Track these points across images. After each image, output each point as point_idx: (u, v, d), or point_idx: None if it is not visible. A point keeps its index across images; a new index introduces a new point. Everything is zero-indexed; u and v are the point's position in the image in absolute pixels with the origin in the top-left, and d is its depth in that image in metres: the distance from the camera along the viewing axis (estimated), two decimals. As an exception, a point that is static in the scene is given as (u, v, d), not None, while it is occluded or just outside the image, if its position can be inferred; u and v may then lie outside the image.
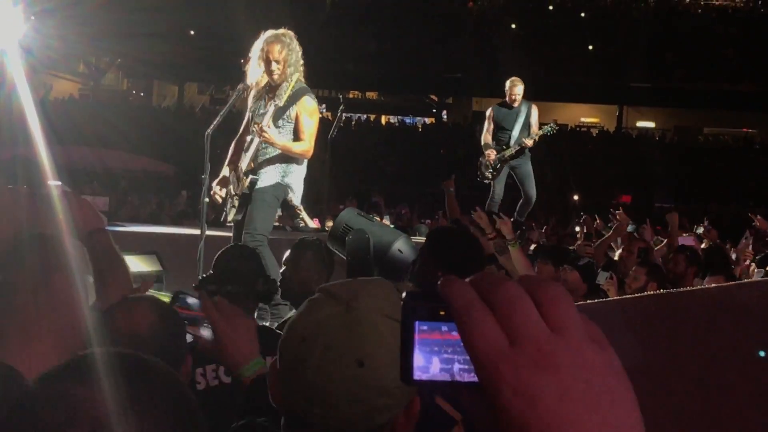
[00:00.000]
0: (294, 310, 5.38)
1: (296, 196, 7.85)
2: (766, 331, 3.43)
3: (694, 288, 6.31)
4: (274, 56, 7.45)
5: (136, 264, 7.08)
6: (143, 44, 35.60)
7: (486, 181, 11.89)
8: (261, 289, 4.75)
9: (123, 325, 2.86)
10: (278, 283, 5.35)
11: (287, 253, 5.51)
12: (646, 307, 4.07)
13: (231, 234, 8.04)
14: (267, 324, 5.72)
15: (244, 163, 7.66)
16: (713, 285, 6.49)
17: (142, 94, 50.52)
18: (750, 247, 10.42)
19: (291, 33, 7.61)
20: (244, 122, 8.04)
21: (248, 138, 7.77)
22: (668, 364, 3.45)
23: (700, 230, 13.15)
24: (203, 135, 7.77)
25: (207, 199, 7.95)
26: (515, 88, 11.90)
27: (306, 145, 7.57)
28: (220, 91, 48.35)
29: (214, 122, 7.81)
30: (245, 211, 7.66)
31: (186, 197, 20.88)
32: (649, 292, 6.53)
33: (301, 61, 7.65)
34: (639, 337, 3.51)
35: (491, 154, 11.75)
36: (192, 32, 41.97)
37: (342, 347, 1.67)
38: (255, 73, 7.66)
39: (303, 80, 7.69)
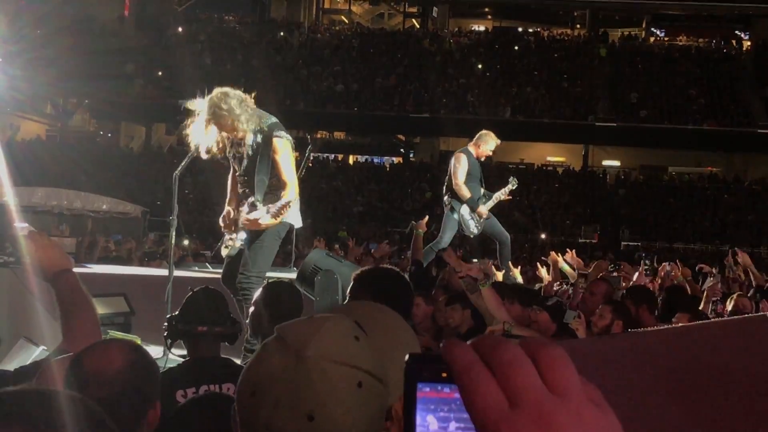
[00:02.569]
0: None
1: (299, 223, 7.78)
2: (735, 370, 3.45)
3: (662, 327, 6.34)
4: (226, 130, 7.35)
5: (104, 306, 7.03)
6: (110, 85, 35.58)
7: (472, 236, 11.64)
8: (226, 331, 4.85)
9: (92, 369, 2.85)
10: (247, 323, 5.39)
11: (257, 293, 5.50)
12: (615, 346, 4.09)
13: (198, 275, 7.98)
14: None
15: (244, 223, 7.53)
16: (680, 324, 6.52)
17: (109, 135, 50.31)
18: (719, 285, 10.46)
19: (223, 94, 7.32)
20: (231, 170, 7.93)
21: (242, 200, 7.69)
22: (637, 403, 3.45)
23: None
24: (171, 176, 7.73)
25: (186, 242, 7.89)
26: (494, 147, 11.70)
27: (292, 188, 7.42)
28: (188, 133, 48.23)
29: (182, 164, 7.76)
30: (240, 250, 7.58)
31: (154, 238, 20.78)
32: (615, 331, 6.55)
33: (249, 105, 7.48)
34: (609, 376, 3.52)
35: (483, 213, 11.48)
36: (159, 73, 41.98)
37: (291, 401, 1.64)
38: (207, 141, 7.50)
39: (263, 116, 7.55)
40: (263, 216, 7.26)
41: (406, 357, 0.97)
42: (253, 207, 7.43)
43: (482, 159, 11.69)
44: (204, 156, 7.50)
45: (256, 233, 7.52)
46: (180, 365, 4.80)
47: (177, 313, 4.93)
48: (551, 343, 0.92)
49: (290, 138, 7.63)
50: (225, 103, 7.27)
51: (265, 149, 7.42)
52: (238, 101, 7.34)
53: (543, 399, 0.87)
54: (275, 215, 7.25)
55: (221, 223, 7.80)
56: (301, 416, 1.63)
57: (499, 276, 10.13)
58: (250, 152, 7.50)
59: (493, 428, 0.87)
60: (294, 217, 7.70)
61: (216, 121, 7.28)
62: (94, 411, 1.46)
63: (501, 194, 11.70)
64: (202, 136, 7.37)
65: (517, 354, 0.90)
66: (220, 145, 7.59)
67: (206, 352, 4.74)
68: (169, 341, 5.06)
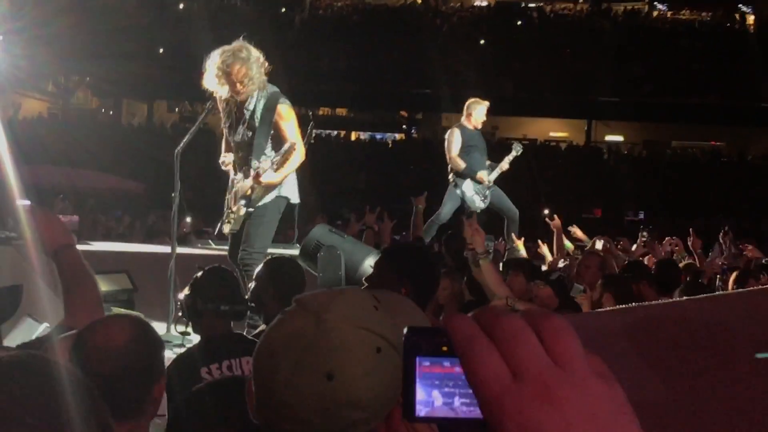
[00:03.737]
0: (264, 324, 5.43)
1: (296, 198, 7.81)
2: (735, 343, 3.44)
3: (667, 301, 6.34)
4: (237, 77, 7.38)
5: (107, 283, 7.03)
6: (112, 63, 35.42)
7: (479, 210, 11.60)
8: (244, 310, 4.98)
9: (96, 344, 2.85)
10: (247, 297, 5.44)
11: (258, 269, 5.51)
12: (621, 321, 4.08)
13: (200, 252, 7.98)
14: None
15: (244, 188, 7.57)
16: (684, 298, 6.52)
17: (111, 112, 50.21)
18: (718, 260, 10.47)
19: (246, 45, 7.49)
20: (224, 136, 7.95)
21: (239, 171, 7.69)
22: (640, 376, 3.45)
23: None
24: (173, 153, 7.73)
25: (188, 219, 7.88)
26: (485, 112, 11.60)
27: (299, 154, 7.49)
28: (190, 109, 48.18)
29: (184, 140, 7.76)
30: (243, 226, 7.62)
31: (156, 216, 20.76)
32: (605, 303, 6.58)
33: (263, 67, 7.53)
34: (612, 350, 3.51)
35: (483, 178, 11.40)
36: (161, 50, 41.86)
37: (310, 360, 1.64)
38: (217, 88, 7.54)
39: (267, 83, 7.62)
40: (268, 172, 7.30)
41: (405, 330, 0.96)
42: (248, 173, 7.47)
43: (479, 128, 11.65)
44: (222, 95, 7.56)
45: (257, 208, 7.54)
46: (199, 344, 4.88)
47: (190, 292, 4.95)
48: (555, 315, 0.92)
49: (290, 105, 7.70)
50: (246, 50, 7.38)
51: (267, 114, 7.46)
52: (257, 57, 7.45)
53: (547, 371, 0.87)
54: (279, 164, 7.29)
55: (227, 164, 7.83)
56: (321, 375, 1.64)
57: (523, 251, 10.17)
58: (249, 117, 7.52)
59: (496, 401, 0.86)
60: (292, 192, 7.72)
61: (230, 67, 7.31)
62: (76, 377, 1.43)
63: (506, 162, 11.68)
64: (212, 84, 7.45)
65: (520, 326, 0.89)
66: (222, 105, 7.65)
67: (221, 330, 4.80)
68: (185, 320, 5.10)
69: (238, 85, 7.38)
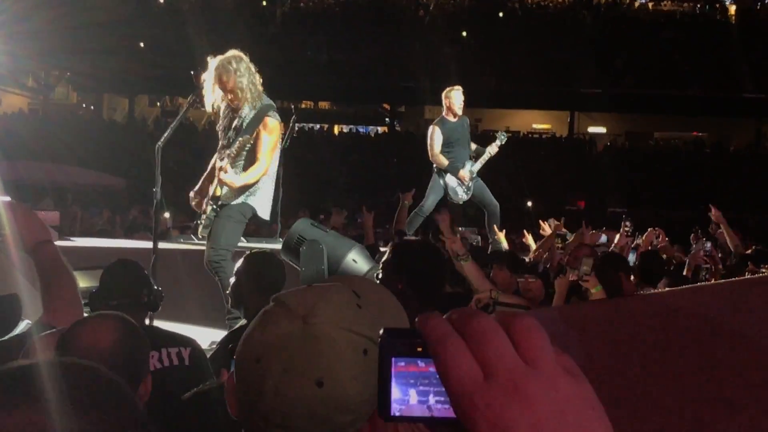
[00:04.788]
0: (244, 319, 5.41)
1: (264, 213, 7.83)
2: (717, 335, 3.43)
3: (647, 293, 6.35)
4: (227, 87, 7.48)
5: (88, 279, 6.99)
6: (93, 58, 35.37)
7: (461, 202, 11.61)
8: (147, 300, 4.87)
9: (85, 342, 2.83)
10: (228, 293, 5.42)
11: (239, 263, 5.50)
12: (601, 313, 4.07)
13: (181, 247, 7.96)
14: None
15: (211, 188, 7.63)
16: (666, 289, 6.53)
17: (92, 107, 50.13)
18: (702, 252, 10.47)
19: (238, 55, 7.58)
20: (220, 141, 7.98)
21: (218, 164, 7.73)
22: (622, 369, 3.44)
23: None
24: (154, 148, 7.71)
25: (167, 214, 7.87)
26: (461, 96, 11.57)
27: (261, 168, 7.57)
28: (171, 104, 48.13)
29: (165, 135, 7.75)
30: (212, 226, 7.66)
31: (137, 211, 20.72)
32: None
33: (256, 78, 7.62)
34: (593, 343, 3.50)
35: (465, 176, 11.40)
36: (142, 45, 41.77)
37: (299, 367, 1.63)
38: (211, 98, 7.64)
39: (263, 95, 7.68)
40: (230, 173, 7.41)
41: (381, 331, 0.98)
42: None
43: (460, 114, 11.60)
44: (209, 109, 7.70)
45: (224, 208, 7.63)
46: None
47: (96, 289, 4.93)
48: (525, 314, 0.93)
49: (280, 122, 7.81)
50: (236, 62, 7.51)
51: (253, 123, 7.55)
52: (247, 68, 7.57)
53: (516, 369, 0.89)
54: (239, 182, 7.42)
55: (192, 200, 7.87)
56: (310, 382, 1.62)
57: (505, 244, 10.15)
58: (240, 124, 7.59)
59: (467, 399, 0.88)
60: (260, 205, 7.79)
61: (221, 77, 7.45)
62: (111, 380, 1.41)
63: (490, 150, 11.65)
64: (209, 94, 7.56)
65: (491, 325, 0.91)
66: (223, 111, 7.74)
67: None
68: None
69: (229, 94, 7.51)
